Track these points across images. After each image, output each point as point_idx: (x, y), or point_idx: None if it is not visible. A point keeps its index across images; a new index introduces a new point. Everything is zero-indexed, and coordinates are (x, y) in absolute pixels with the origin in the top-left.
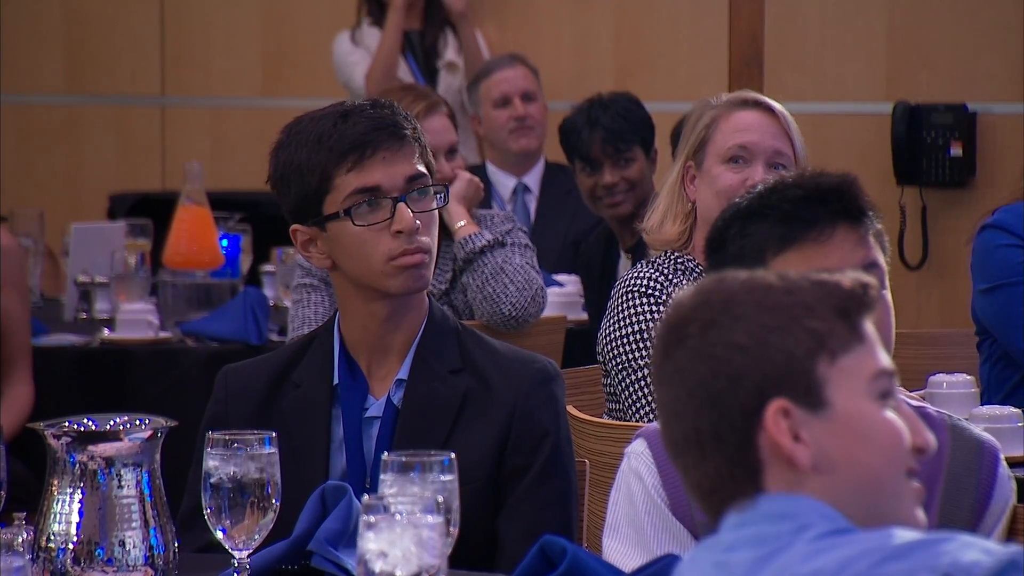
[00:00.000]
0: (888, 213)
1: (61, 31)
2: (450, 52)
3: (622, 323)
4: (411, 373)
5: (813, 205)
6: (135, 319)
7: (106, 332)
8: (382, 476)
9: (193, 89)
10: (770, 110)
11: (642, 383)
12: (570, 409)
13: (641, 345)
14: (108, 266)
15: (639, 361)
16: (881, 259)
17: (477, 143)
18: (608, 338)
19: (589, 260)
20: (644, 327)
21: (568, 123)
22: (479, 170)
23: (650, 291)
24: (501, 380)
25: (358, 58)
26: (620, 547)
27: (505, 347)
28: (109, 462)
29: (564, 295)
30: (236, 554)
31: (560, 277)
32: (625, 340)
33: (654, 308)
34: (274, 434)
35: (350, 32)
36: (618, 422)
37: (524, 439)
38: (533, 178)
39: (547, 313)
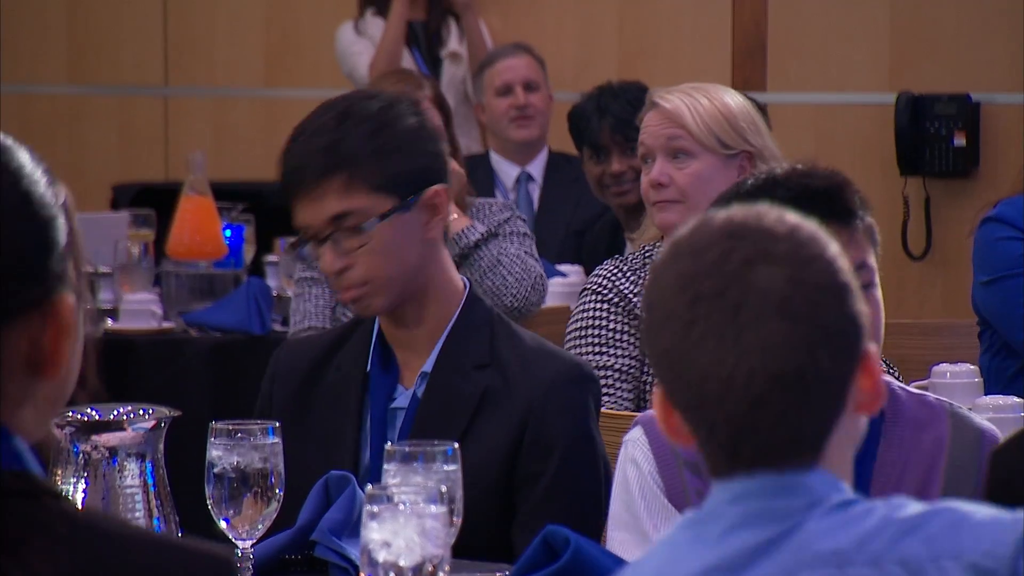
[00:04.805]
0: (891, 203)
1: (64, 20)
2: (453, 42)
3: (573, 319)
4: (435, 367)
5: (800, 209)
6: (138, 309)
7: (109, 322)
8: (385, 466)
9: (196, 79)
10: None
11: None
12: None
13: (584, 342)
14: (111, 256)
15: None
16: (871, 258)
17: (480, 131)
18: (567, 334)
19: (594, 249)
20: (587, 323)
21: (577, 110)
22: (482, 159)
23: (598, 287)
24: (521, 378)
25: (361, 48)
26: (623, 536)
27: (535, 341)
28: (113, 452)
29: (567, 285)
30: (239, 544)
31: (563, 267)
32: (574, 336)
33: (600, 305)
34: (277, 424)
35: (353, 22)
36: (616, 412)
37: (536, 444)
38: (536, 167)
39: (550, 303)
